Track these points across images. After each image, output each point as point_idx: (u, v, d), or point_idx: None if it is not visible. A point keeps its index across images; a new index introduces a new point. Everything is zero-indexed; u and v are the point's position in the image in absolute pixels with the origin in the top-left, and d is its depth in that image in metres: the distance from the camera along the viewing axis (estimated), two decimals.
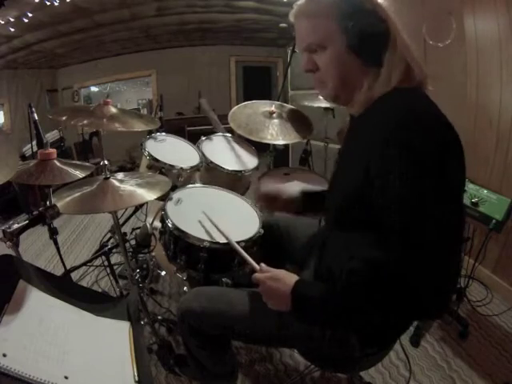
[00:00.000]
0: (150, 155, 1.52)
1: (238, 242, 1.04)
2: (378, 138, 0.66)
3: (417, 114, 0.64)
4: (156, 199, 1.14)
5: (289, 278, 0.79)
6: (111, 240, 2.05)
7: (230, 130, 1.79)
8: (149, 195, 1.12)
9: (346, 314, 0.71)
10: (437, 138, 0.62)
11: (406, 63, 0.71)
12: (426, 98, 0.71)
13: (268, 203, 1.18)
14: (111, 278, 1.75)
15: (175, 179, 1.48)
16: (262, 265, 0.86)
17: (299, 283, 0.77)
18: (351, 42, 0.70)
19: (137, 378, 0.68)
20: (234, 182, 1.61)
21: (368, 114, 0.74)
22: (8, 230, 0.85)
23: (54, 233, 1.51)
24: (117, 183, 1.16)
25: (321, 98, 1.84)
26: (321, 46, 0.74)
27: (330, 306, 0.72)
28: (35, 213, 0.91)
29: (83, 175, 1.24)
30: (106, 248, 1.67)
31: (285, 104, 1.88)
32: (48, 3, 3.08)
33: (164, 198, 1.25)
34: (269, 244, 1.19)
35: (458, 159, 0.65)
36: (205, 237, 1.12)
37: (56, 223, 1.53)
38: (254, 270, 0.88)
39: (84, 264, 1.96)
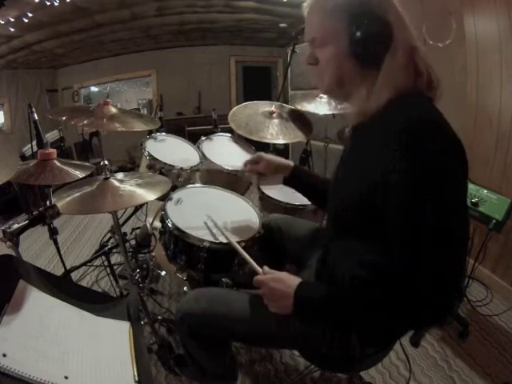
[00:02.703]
0: (150, 155, 1.52)
1: (238, 242, 1.04)
2: (386, 145, 0.64)
3: (426, 121, 0.63)
4: (156, 199, 1.14)
5: (292, 279, 0.78)
6: (111, 240, 2.05)
7: (230, 130, 1.79)
8: (149, 195, 1.12)
9: (348, 318, 0.71)
10: (445, 144, 0.62)
11: (409, 68, 0.69)
12: (431, 104, 0.70)
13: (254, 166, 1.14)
14: (111, 277, 1.76)
15: (175, 179, 1.48)
16: (265, 267, 0.85)
17: (302, 285, 0.76)
18: (354, 47, 0.70)
19: (137, 378, 0.68)
20: (234, 182, 1.61)
21: (374, 122, 0.72)
22: (8, 230, 0.85)
23: (54, 233, 1.52)
24: (117, 183, 1.16)
25: (318, 98, 1.84)
26: (324, 43, 0.74)
27: (332, 309, 0.72)
28: (35, 213, 0.91)
29: (83, 175, 1.24)
30: (106, 248, 1.67)
31: (285, 104, 1.88)
32: (48, 3, 3.08)
33: (164, 198, 1.25)
34: (269, 244, 1.19)
35: (464, 166, 0.65)
36: (205, 237, 1.12)
37: (56, 223, 1.53)
38: (255, 271, 0.87)
39: (84, 264, 1.97)
